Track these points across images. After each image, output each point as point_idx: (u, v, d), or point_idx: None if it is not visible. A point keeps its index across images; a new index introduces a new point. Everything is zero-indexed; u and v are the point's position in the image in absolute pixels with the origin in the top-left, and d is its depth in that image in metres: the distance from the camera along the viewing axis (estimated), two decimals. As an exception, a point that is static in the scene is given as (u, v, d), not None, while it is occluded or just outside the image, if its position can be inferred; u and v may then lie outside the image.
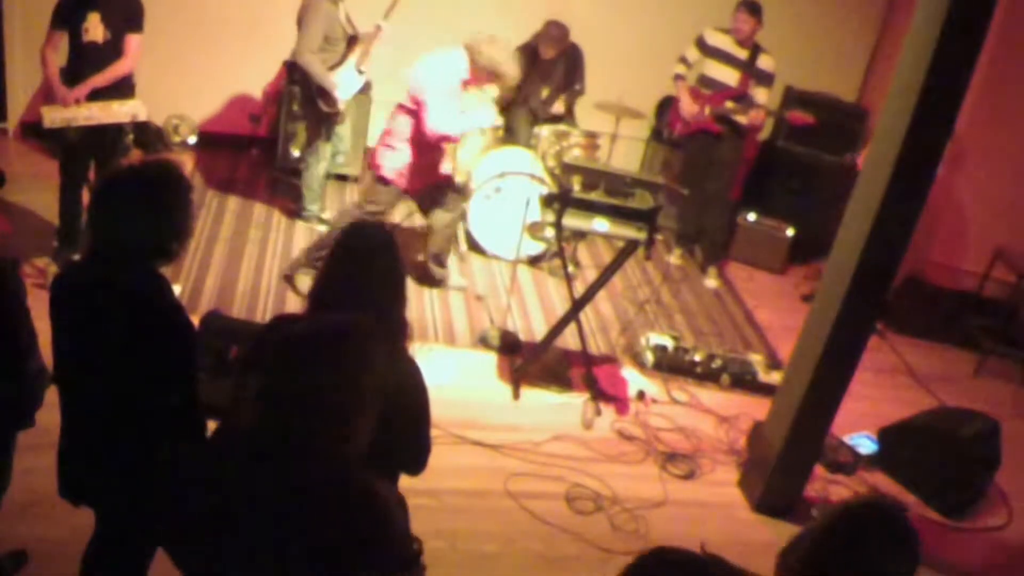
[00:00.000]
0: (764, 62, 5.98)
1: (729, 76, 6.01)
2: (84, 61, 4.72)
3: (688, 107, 6.13)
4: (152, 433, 2.47)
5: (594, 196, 4.51)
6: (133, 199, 2.35)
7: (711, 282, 6.42)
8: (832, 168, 6.75)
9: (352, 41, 5.54)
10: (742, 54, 5.97)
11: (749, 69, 5.98)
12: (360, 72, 5.60)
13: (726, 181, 6.32)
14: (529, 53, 6.33)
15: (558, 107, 6.52)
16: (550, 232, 5.15)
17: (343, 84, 5.52)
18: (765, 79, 6.02)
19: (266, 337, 2.61)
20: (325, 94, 5.50)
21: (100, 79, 4.73)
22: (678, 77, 6.21)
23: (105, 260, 2.39)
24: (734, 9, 5.94)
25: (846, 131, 6.65)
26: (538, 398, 4.86)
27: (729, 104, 6.03)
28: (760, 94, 6.05)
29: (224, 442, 2.03)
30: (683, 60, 6.21)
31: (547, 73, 6.41)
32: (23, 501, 3.24)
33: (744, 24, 5.88)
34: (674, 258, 6.63)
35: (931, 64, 3.51)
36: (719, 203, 6.37)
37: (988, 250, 6.34)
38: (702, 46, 6.10)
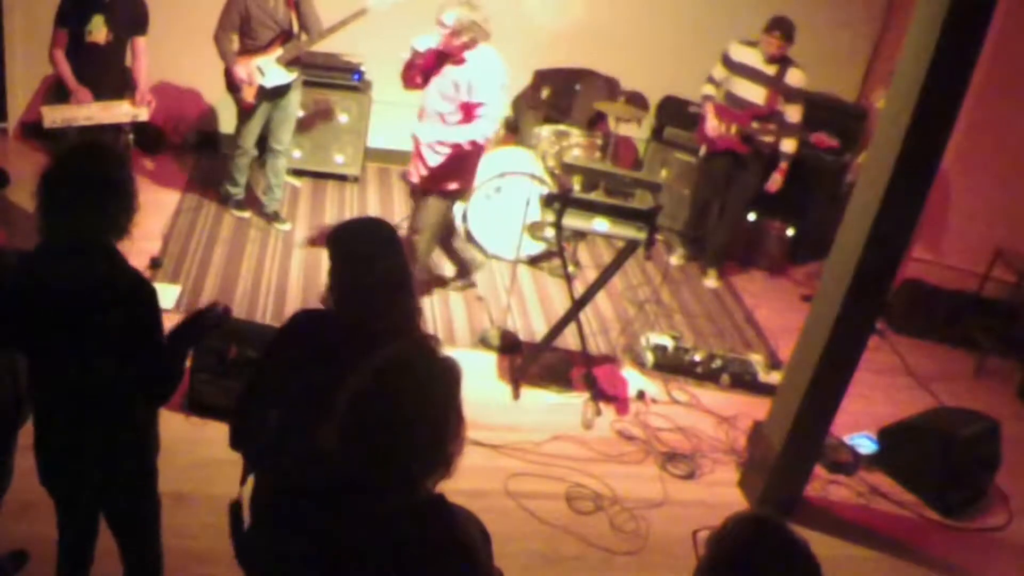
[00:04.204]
0: (793, 77, 5.69)
1: (756, 94, 5.74)
2: (85, 61, 4.77)
3: (713, 126, 5.87)
4: (123, 410, 2.54)
5: (594, 196, 4.52)
6: (84, 183, 2.40)
7: (711, 283, 6.36)
8: (832, 168, 6.75)
9: (285, 36, 5.43)
10: (770, 70, 5.69)
11: (777, 85, 5.69)
12: (288, 68, 5.47)
13: (744, 204, 6.18)
14: None
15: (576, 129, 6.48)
16: (550, 232, 5.14)
17: (259, 71, 5.42)
18: (795, 96, 5.75)
19: (288, 335, 2.57)
20: (227, 72, 5.45)
21: (143, 87, 4.98)
22: (706, 98, 5.96)
23: (62, 246, 2.42)
24: (765, 28, 5.62)
25: (846, 131, 6.65)
26: (538, 398, 4.86)
27: (755, 124, 5.77)
28: (792, 112, 5.77)
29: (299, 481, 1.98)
30: (711, 80, 5.97)
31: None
32: (23, 501, 3.24)
33: (773, 47, 5.60)
34: (676, 258, 6.53)
35: (931, 64, 3.51)
36: (732, 222, 6.25)
37: (988, 250, 6.33)
38: (728, 63, 5.83)
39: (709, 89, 5.96)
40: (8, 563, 3.21)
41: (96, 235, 2.43)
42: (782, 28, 5.57)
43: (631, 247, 4.66)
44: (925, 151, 3.70)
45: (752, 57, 5.72)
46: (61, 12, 4.74)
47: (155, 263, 5.18)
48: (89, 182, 2.40)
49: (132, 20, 4.90)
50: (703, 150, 6.09)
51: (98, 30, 4.75)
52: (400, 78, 4.82)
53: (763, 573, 1.74)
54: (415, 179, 4.95)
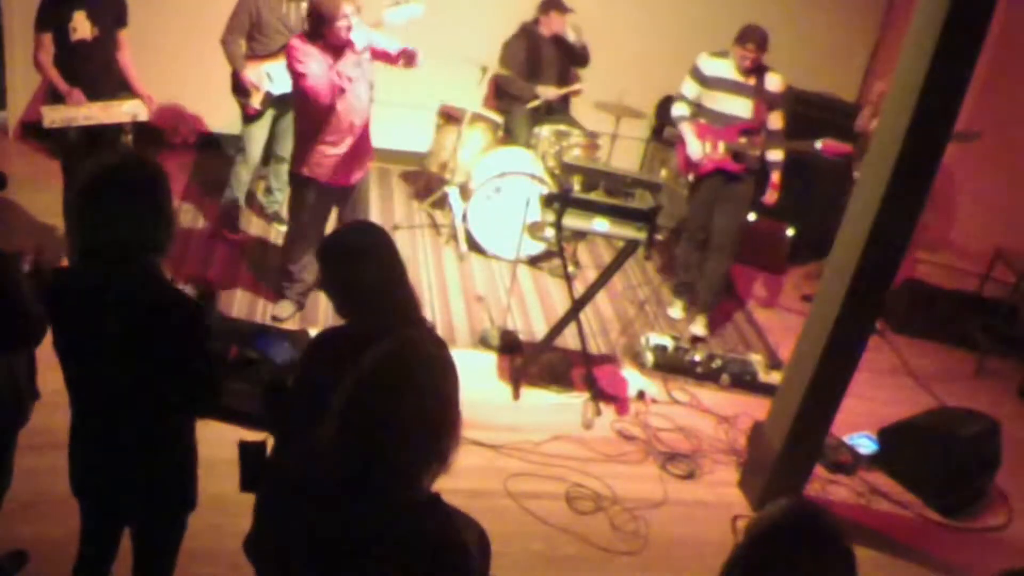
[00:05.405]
0: (772, 83, 5.31)
1: (741, 107, 5.32)
2: (76, 60, 4.71)
3: (696, 149, 5.41)
4: (158, 425, 2.50)
5: (594, 196, 4.52)
6: (124, 197, 2.34)
7: (697, 329, 5.69)
8: (832, 168, 6.75)
9: None
10: (749, 80, 5.29)
11: (761, 95, 5.30)
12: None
13: (737, 221, 5.58)
14: (527, 38, 6.33)
15: (552, 92, 6.41)
16: (550, 232, 5.14)
17: (268, 76, 5.31)
18: (776, 101, 5.36)
19: (316, 355, 2.54)
20: (235, 77, 5.35)
21: (136, 83, 4.95)
22: (681, 119, 5.48)
23: (102, 261, 2.37)
24: (737, 40, 5.23)
25: (846, 131, 6.65)
26: (538, 398, 4.86)
27: (742, 139, 5.37)
28: (774, 119, 5.38)
29: (300, 476, 1.97)
30: (682, 97, 5.48)
31: (547, 57, 6.39)
32: (23, 501, 3.25)
33: (748, 60, 5.21)
34: (675, 311, 5.91)
35: (931, 64, 3.51)
36: (724, 248, 5.60)
37: (988, 250, 6.34)
38: (701, 78, 5.38)
39: (683, 108, 5.49)
40: (8, 563, 3.21)
41: (133, 251, 2.37)
42: (756, 39, 5.19)
43: (631, 247, 4.66)
44: (925, 151, 3.70)
45: (726, 69, 5.32)
46: (39, 16, 4.68)
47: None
48: (126, 198, 2.35)
49: (114, 13, 4.84)
50: (691, 177, 5.59)
51: (82, 26, 4.68)
52: (319, 98, 4.47)
53: (805, 557, 1.77)
54: (359, 174, 4.86)
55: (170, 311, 2.38)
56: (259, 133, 5.57)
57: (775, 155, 5.47)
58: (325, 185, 4.73)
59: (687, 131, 5.46)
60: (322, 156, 4.64)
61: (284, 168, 5.80)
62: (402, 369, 1.81)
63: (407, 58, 4.61)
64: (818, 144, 5.23)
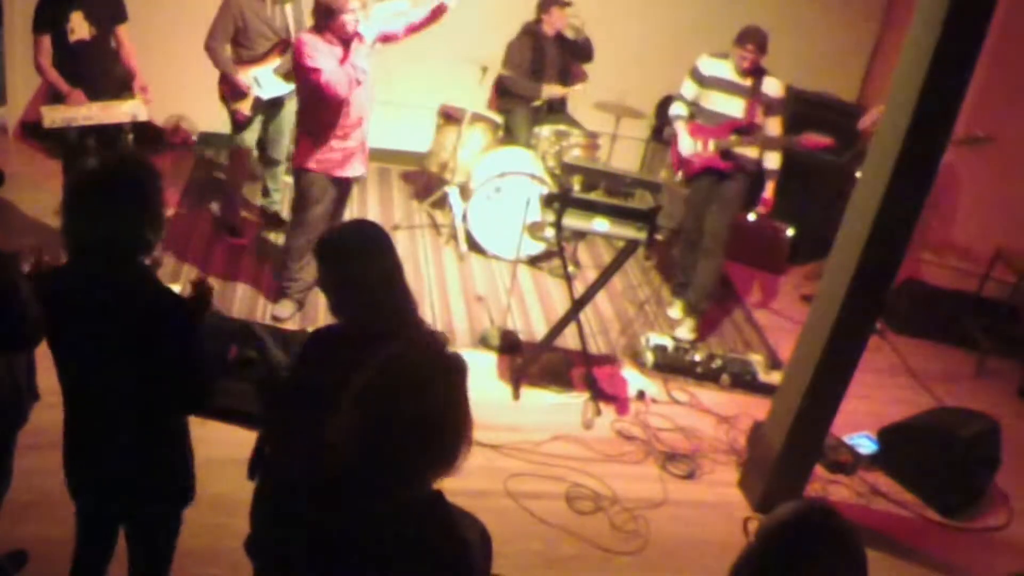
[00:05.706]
0: (770, 87, 5.27)
1: (734, 106, 5.30)
2: (76, 61, 4.71)
3: (687, 145, 5.43)
4: (152, 424, 2.50)
5: (594, 196, 4.52)
6: (115, 197, 2.35)
7: (684, 332, 5.63)
8: (832, 168, 6.75)
9: (284, 46, 5.23)
10: (746, 82, 5.27)
11: (756, 96, 5.27)
12: (286, 79, 5.24)
13: (726, 222, 5.51)
14: (531, 37, 6.32)
15: (558, 91, 6.39)
16: (550, 232, 5.13)
17: (256, 81, 5.26)
18: (775, 106, 5.32)
19: (312, 353, 2.55)
20: (226, 81, 5.27)
21: (139, 75, 4.94)
22: (677, 118, 5.50)
23: (94, 260, 2.37)
24: (736, 41, 5.21)
25: (846, 131, 6.65)
26: (538, 398, 4.86)
27: (733, 137, 5.34)
28: (773, 124, 5.33)
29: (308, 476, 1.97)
30: (680, 98, 5.51)
31: (551, 56, 6.38)
32: (23, 501, 3.24)
33: (747, 61, 5.19)
34: (675, 311, 5.87)
35: (931, 64, 3.51)
36: (714, 248, 5.54)
37: (988, 250, 6.34)
38: (699, 78, 5.39)
39: (680, 108, 5.51)
40: (8, 563, 3.21)
41: (124, 250, 2.38)
42: (756, 40, 5.17)
43: (631, 247, 4.67)
44: (925, 151, 3.70)
45: (725, 70, 5.32)
46: (36, 19, 4.67)
47: (154, 262, 5.17)
48: (120, 198, 2.35)
49: (111, 10, 4.83)
50: (680, 176, 5.60)
51: (79, 27, 4.67)
52: (337, 93, 4.44)
53: (813, 556, 1.77)
54: (362, 168, 4.91)
55: (167, 313, 2.38)
56: (250, 138, 5.54)
57: (772, 163, 5.45)
58: (331, 179, 4.74)
59: (681, 129, 5.49)
60: (330, 150, 4.65)
61: (279, 170, 5.80)
62: (409, 372, 1.81)
63: None
64: (798, 138, 5.31)
